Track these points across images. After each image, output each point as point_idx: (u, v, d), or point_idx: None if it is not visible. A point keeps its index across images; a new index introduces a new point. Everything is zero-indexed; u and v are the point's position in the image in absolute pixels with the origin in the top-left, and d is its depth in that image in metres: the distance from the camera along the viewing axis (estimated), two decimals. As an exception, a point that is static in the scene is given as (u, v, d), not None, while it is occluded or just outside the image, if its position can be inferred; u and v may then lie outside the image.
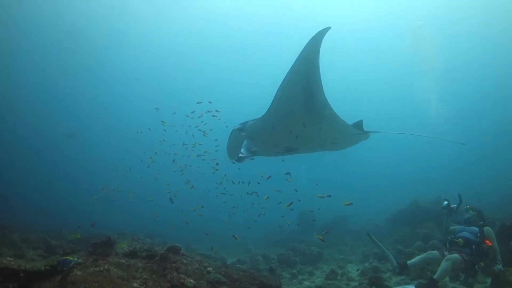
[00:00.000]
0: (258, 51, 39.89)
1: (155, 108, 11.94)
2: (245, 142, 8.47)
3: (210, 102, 10.14)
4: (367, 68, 42.01)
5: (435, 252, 7.09)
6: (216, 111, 9.76)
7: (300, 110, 6.84)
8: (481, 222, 6.97)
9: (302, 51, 5.95)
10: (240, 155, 8.51)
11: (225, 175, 9.78)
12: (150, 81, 44.94)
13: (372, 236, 7.44)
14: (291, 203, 7.40)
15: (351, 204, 6.66)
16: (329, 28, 5.77)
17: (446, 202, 7.41)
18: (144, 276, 4.96)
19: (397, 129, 44.69)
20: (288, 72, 6.24)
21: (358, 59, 40.50)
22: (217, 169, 9.45)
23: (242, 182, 8.93)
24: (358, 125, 7.66)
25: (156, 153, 10.83)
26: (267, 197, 8.02)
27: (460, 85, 40.69)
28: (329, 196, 6.98)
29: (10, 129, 40.18)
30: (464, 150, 37.39)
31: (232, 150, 8.49)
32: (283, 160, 8.39)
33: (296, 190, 8.57)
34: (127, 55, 39.86)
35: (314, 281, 9.28)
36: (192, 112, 10.04)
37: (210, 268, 6.02)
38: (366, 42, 37.72)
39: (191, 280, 5.08)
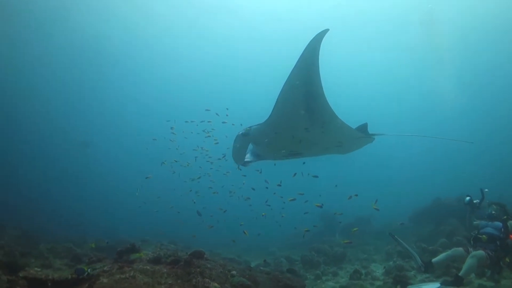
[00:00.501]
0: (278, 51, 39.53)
1: (167, 121, 11.92)
2: (250, 146, 8.56)
3: (227, 109, 10.20)
4: (374, 61, 40.50)
5: (460, 249, 7.04)
6: (226, 115, 9.81)
7: (302, 115, 6.86)
8: (505, 217, 6.90)
9: (301, 55, 5.99)
10: (246, 159, 8.60)
11: (244, 183, 9.82)
12: (163, 87, 45.54)
13: (395, 236, 7.42)
14: (322, 205, 7.46)
15: (376, 202, 6.69)
16: (327, 30, 5.79)
17: (468, 198, 7.34)
18: (169, 282, 5.03)
19: (409, 123, 43.98)
20: (288, 77, 6.28)
21: (364, 52, 38.83)
22: (244, 175, 9.46)
23: (266, 188, 8.95)
24: (363, 128, 7.67)
25: (176, 161, 10.90)
26: (294, 199, 8.03)
27: (477, 75, 39.08)
28: (356, 195, 7.02)
29: (24, 137, 40.95)
30: (483, 143, 36.48)
31: (237, 155, 8.58)
32: (304, 163, 8.42)
33: (320, 195, 8.61)
34: (140, 62, 40.51)
35: (338, 281, 9.29)
36: (202, 122, 10.08)
37: (234, 272, 6.07)
38: (371, 32, 35.46)
39: (216, 284, 5.14)
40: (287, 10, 32.95)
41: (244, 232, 7.85)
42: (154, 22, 33.41)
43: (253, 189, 9.70)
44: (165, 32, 35.37)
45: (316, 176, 7.95)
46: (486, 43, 35.30)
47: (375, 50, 38.38)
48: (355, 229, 8.65)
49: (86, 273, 4.88)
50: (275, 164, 8.88)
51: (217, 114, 10.14)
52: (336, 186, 9.00)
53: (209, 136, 9.83)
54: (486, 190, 7.34)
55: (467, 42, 34.35)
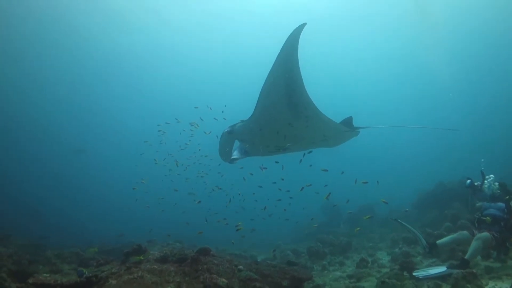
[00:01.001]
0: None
1: (157, 124, 11.83)
2: (237, 143, 8.58)
3: (225, 106, 10.20)
4: (367, 45, 38.62)
5: (465, 232, 7.09)
6: (222, 111, 9.83)
7: (285, 111, 6.93)
8: (507, 197, 6.92)
9: (280, 51, 6.07)
10: (233, 156, 8.62)
11: (244, 179, 9.80)
12: (161, 88, 45.53)
13: (398, 220, 7.47)
14: (329, 194, 7.48)
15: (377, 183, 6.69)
16: (304, 24, 5.87)
17: (469, 181, 7.38)
18: (177, 280, 5.07)
19: (404, 109, 43.73)
20: (268, 74, 6.33)
21: (355, 36, 36.35)
22: (251, 173, 9.43)
23: (274, 183, 8.93)
24: (348, 121, 7.72)
25: (177, 164, 10.88)
26: (303, 188, 8.01)
27: (475, 52, 37.46)
28: (366, 182, 7.05)
29: (21, 143, 40.92)
30: (482, 124, 36.13)
31: (224, 152, 8.66)
32: (310, 151, 8.44)
33: (326, 185, 8.63)
34: (140, 63, 40.45)
35: (345, 271, 9.31)
36: (192, 123, 10.05)
37: (241, 266, 6.11)
38: (360, 14, 33.05)
39: (224, 280, 5.17)
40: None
41: (238, 228, 7.87)
42: (153, 21, 33.41)
43: (260, 186, 9.69)
44: (164, 32, 35.36)
45: (326, 170, 7.96)
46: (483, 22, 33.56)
47: (365, 34, 36.63)
48: (367, 216, 8.69)
49: (85, 275, 4.93)
50: (277, 162, 8.88)
51: (209, 108, 10.16)
52: (342, 173, 8.99)
53: (197, 126, 9.81)
54: (483, 160, 7.43)
55: (462, 20, 32.97)
